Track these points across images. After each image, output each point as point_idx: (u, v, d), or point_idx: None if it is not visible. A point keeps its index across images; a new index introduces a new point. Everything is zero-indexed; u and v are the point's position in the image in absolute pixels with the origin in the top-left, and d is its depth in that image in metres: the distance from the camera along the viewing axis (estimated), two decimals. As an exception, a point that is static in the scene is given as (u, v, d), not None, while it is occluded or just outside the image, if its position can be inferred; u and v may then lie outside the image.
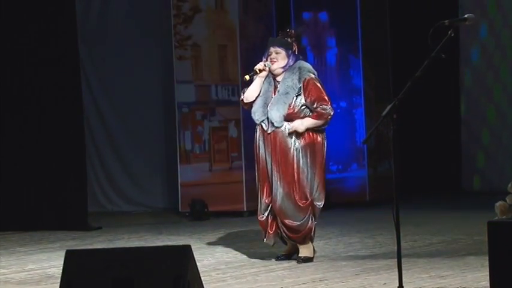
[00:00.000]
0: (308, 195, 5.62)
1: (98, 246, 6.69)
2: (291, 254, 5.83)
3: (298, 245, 5.74)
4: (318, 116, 5.58)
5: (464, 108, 9.37)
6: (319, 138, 5.63)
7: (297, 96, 5.57)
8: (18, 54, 7.77)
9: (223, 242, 6.71)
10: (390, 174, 4.37)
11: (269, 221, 5.70)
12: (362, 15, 8.60)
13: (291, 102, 5.57)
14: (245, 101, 5.69)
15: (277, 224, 5.71)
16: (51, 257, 6.32)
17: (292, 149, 5.58)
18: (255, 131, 5.72)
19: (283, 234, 5.71)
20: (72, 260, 3.74)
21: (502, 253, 3.64)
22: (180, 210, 8.47)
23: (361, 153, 8.61)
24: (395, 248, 4.27)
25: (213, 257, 6.10)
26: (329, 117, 5.59)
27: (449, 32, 4.34)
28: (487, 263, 3.72)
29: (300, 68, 5.63)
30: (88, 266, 3.71)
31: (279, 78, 5.65)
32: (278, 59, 5.62)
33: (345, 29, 8.62)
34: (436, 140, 9.36)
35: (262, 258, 5.91)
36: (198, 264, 3.82)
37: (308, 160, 5.59)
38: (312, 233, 5.71)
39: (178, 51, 8.44)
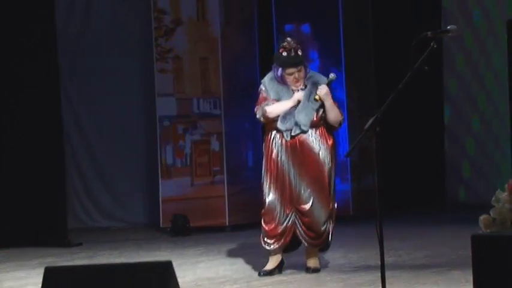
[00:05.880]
0: (330, 201, 5.70)
1: (78, 263, 6.65)
2: (274, 270, 5.82)
3: (308, 254, 5.75)
4: (338, 109, 5.74)
5: (448, 119, 9.40)
6: (334, 140, 5.78)
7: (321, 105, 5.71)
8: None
9: (205, 257, 6.69)
10: (374, 188, 4.38)
11: (287, 229, 5.69)
12: (345, 28, 8.65)
13: (318, 110, 5.64)
14: (269, 116, 5.68)
15: (294, 232, 5.71)
16: (30, 274, 6.27)
17: (321, 153, 5.66)
18: (267, 140, 5.71)
19: (304, 241, 5.69)
20: (51, 277, 3.71)
21: (486, 267, 3.65)
22: (161, 225, 8.44)
23: (345, 167, 8.63)
24: (379, 262, 4.27)
25: (194, 273, 6.08)
26: (342, 119, 5.77)
27: (431, 44, 4.37)
28: (471, 278, 3.73)
29: (318, 78, 5.77)
30: (68, 283, 3.68)
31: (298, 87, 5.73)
32: (301, 75, 5.71)
33: (327, 41, 8.66)
34: (420, 152, 9.39)
35: (244, 274, 5.90)
36: (179, 280, 3.81)
37: (331, 163, 5.69)
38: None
39: (159, 64, 8.44)
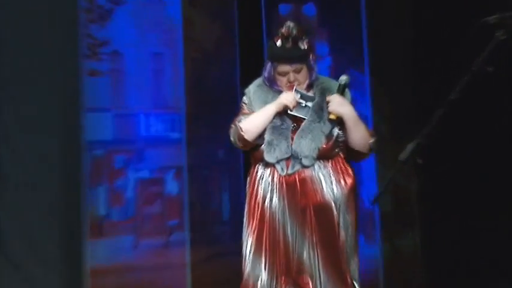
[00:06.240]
0: (348, 273, 5.65)
1: None
2: None
3: None
4: (365, 124, 5.73)
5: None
6: (355, 178, 5.74)
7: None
8: None
9: None
10: (414, 250, 4.46)
11: None
12: (368, 9, 8.76)
13: (331, 132, 5.64)
14: (245, 136, 5.69)
15: None
16: None
17: (334, 198, 5.64)
18: (252, 176, 5.74)
19: None
20: None
21: None
22: (89, 310, 8.51)
23: (371, 219, 8.72)
24: None
25: None
26: (373, 141, 5.77)
27: (497, 34, 4.45)
28: None
29: (332, 86, 5.77)
30: None
31: None
32: (299, 78, 5.69)
33: (343, 29, 8.77)
34: (483, 198, 9.47)
35: None
36: None
37: (351, 214, 5.68)
38: None
39: (89, 63, 8.54)
